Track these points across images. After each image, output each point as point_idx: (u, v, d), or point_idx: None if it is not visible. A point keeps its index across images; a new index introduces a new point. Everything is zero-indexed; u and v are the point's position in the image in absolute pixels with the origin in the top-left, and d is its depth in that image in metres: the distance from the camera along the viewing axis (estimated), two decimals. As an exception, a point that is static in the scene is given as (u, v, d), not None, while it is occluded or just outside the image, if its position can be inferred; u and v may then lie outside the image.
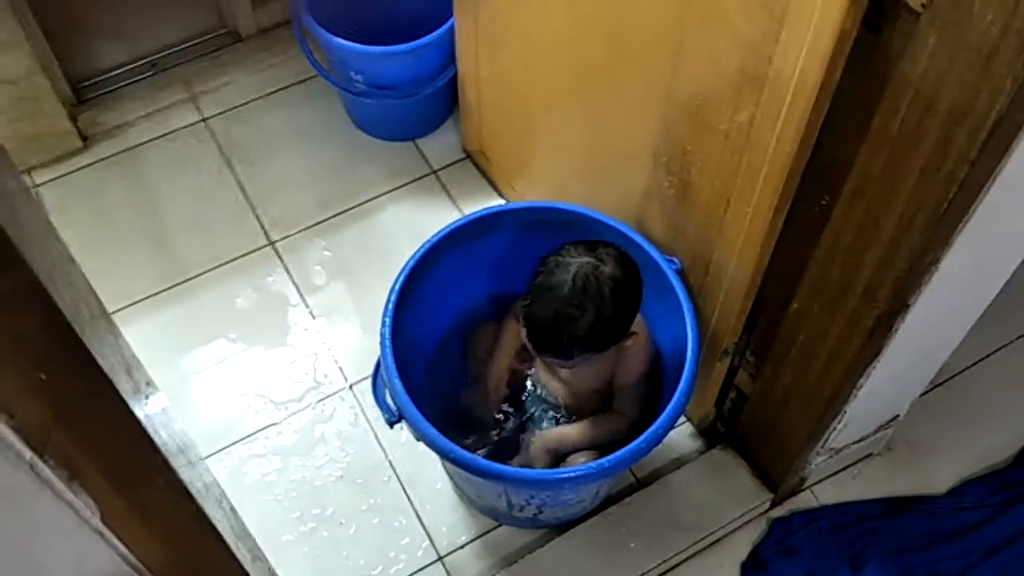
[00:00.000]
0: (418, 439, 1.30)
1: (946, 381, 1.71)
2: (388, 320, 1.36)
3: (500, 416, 1.53)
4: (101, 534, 0.63)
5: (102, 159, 1.97)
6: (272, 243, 1.88)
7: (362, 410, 1.68)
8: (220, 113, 2.03)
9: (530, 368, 1.54)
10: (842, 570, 1.55)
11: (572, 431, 1.45)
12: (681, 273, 1.39)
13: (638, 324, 1.34)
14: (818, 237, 1.16)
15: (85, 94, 2.00)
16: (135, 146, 1.99)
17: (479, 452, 1.48)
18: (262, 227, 1.89)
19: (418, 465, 1.62)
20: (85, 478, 0.58)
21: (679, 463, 1.61)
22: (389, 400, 1.34)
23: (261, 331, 1.78)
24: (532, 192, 1.80)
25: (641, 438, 1.27)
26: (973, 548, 1.55)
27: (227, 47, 2.08)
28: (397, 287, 1.39)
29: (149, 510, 0.66)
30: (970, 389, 1.72)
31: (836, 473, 1.63)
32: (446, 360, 1.58)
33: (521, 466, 1.46)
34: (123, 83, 2.02)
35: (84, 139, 1.97)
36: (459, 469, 1.29)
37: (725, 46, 1.08)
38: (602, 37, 1.33)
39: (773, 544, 1.57)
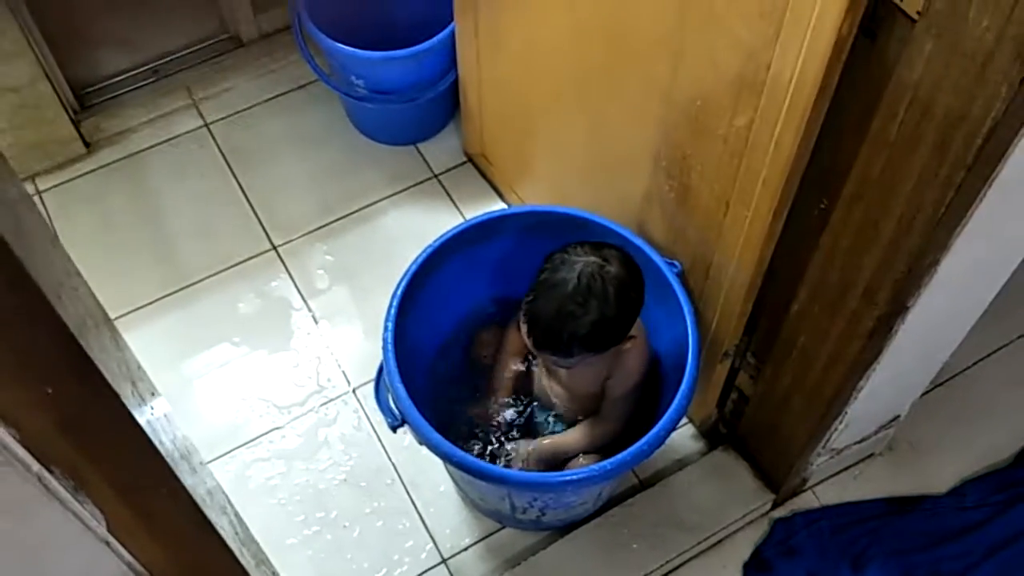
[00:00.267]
0: (421, 443, 1.31)
1: (947, 381, 1.72)
2: (390, 324, 1.36)
3: (501, 420, 1.53)
4: (107, 543, 0.64)
5: (105, 165, 1.98)
6: (275, 247, 1.89)
7: (365, 414, 1.69)
8: (222, 118, 2.04)
9: (532, 372, 1.54)
10: (844, 570, 1.55)
11: (567, 439, 1.46)
12: (682, 276, 1.40)
13: (637, 329, 1.34)
14: (818, 240, 1.17)
15: (88, 100, 2.01)
16: (137, 152, 2.00)
17: (478, 451, 1.49)
18: (264, 232, 1.90)
19: (421, 468, 1.63)
20: (91, 488, 0.59)
21: (681, 464, 1.62)
22: (392, 404, 1.35)
23: (264, 335, 1.79)
24: (533, 195, 1.80)
25: (643, 440, 1.28)
26: (974, 547, 1.56)
27: (229, 53, 2.09)
28: (399, 291, 1.40)
29: (154, 518, 0.67)
30: (971, 389, 1.72)
31: (837, 473, 1.64)
32: (448, 364, 1.59)
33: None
34: (125, 89, 2.03)
35: (87, 145, 1.98)
36: (462, 472, 1.30)
37: (724, 51, 1.09)
38: (602, 41, 1.34)
39: (775, 544, 1.58)
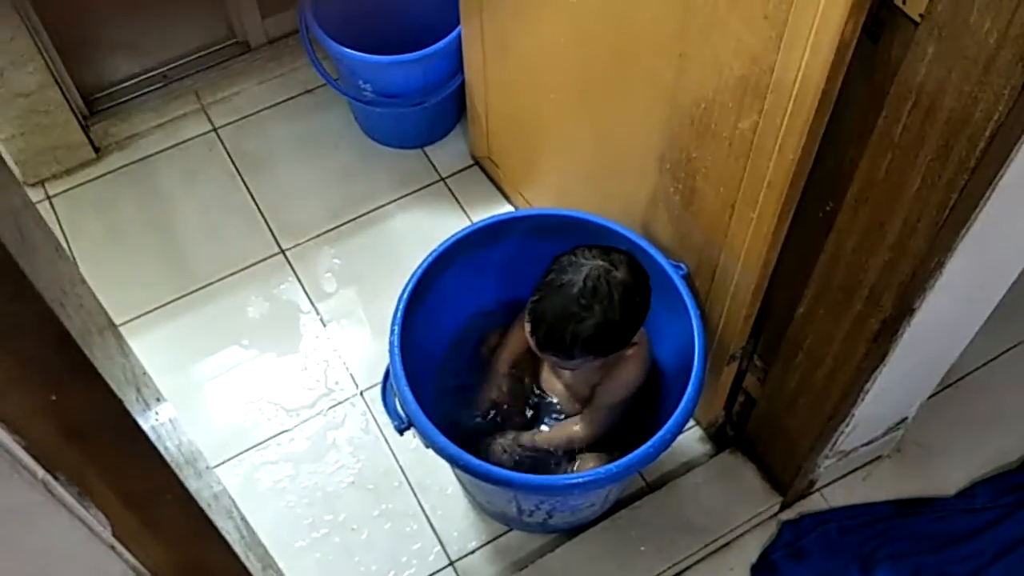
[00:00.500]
0: (427, 446, 1.31)
1: (955, 383, 1.71)
2: (397, 328, 1.37)
3: (503, 416, 1.53)
4: (113, 547, 0.64)
5: (114, 170, 1.99)
6: (283, 251, 1.89)
7: (373, 416, 1.70)
8: (230, 123, 2.05)
9: (536, 370, 1.54)
10: (852, 572, 1.55)
11: (547, 436, 1.47)
12: (687, 278, 1.40)
13: (640, 336, 1.35)
14: (823, 242, 1.17)
15: (97, 106, 2.02)
16: (147, 157, 2.01)
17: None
18: (273, 235, 1.91)
19: (429, 470, 1.63)
20: (96, 494, 0.59)
21: (689, 467, 1.62)
22: (398, 407, 1.35)
23: (272, 339, 1.79)
24: (540, 198, 1.81)
25: (649, 443, 1.28)
26: (983, 549, 1.55)
27: (237, 58, 2.10)
28: (406, 295, 1.40)
29: (159, 523, 0.67)
30: (979, 390, 1.72)
31: (846, 475, 1.64)
32: (455, 366, 1.59)
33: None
34: (134, 95, 2.04)
35: (96, 150, 1.99)
36: (468, 475, 1.30)
37: (727, 55, 1.09)
38: (607, 44, 1.34)
39: (783, 547, 1.57)
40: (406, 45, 1.80)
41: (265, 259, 1.88)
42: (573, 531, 1.55)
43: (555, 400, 1.50)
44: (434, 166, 2.00)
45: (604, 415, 1.45)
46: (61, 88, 1.84)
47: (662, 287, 1.37)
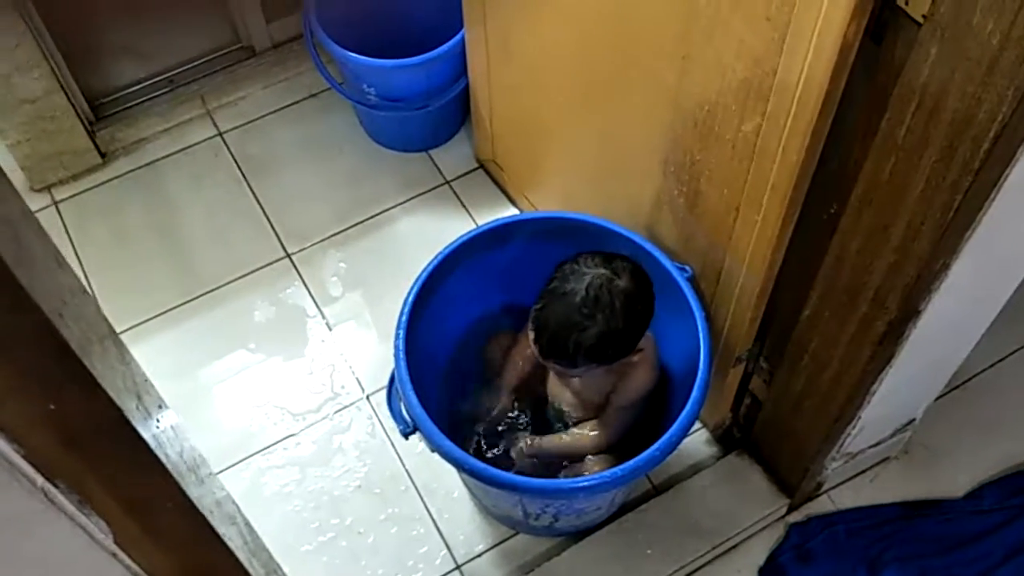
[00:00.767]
0: (433, 450, 1.31)
1: (962, 384, 1.71)
2: (402, 332, 1.37)
3: (511, 422, 1.53)
4: (114, 555, 0.64)
5: (120, 175, 2.00)
6: (288, 255, 1.90)
7: (379, 420, 1.70)
8: (236, 127, 2.06)
9: (544, 376, 1.54)
10: (860, 574, 1.54)
11: (563, 440, 1.46)
12: (692, 280, 1.40)
13: (646, 342, 1.34)
14: (827, 244, 1.16)
15: (103, 111, 2.03)
16: (153, 161, 2.02)
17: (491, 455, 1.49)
18: (279, 239, 1.91)
19: (435, 474, 1.63)
20: (96, 502, 0.59)
21: (695, 469, 1.62)
22: (404, 411, 1.35)
23: (278, 343, 1.80)
24: (544, 201, 1.81)
25: (656, 445, 1.27)
26: (991, 551, 1.54)
27: (242, 62, 2.10)
28: (411, 298, 1.40)
29: (160, 530, 0.67)
30: (987, 392, 1.71)
31: (853, 477, 1.63)
32: (461, 370, 1.59)
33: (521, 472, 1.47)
34: (140, 100, 2.05)
35: (103, 156, 2.00)
36: (474, 479, 1.30)
37: (730, 57, 1.09)
38: (610, 47, 1.34)
39: (790, 549, 1.57)
40: (410, 49, 1.80)
41: (271, 263, 1.89)
42: (579, 534, 1.55)
43: (564, 407, 1.50)
44: (439, 169, 2.00)
45: (618, 421, 1.44)
46: (67, 94, 1.85)
47: (667, 290, 1.37)
